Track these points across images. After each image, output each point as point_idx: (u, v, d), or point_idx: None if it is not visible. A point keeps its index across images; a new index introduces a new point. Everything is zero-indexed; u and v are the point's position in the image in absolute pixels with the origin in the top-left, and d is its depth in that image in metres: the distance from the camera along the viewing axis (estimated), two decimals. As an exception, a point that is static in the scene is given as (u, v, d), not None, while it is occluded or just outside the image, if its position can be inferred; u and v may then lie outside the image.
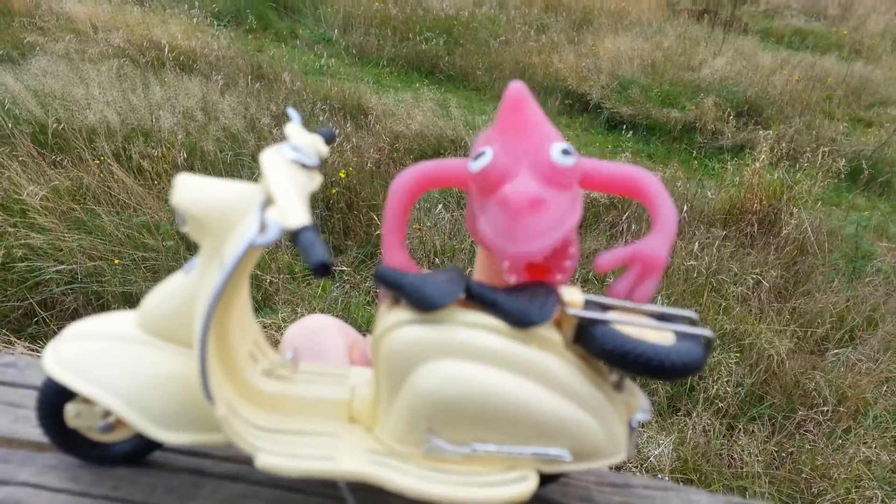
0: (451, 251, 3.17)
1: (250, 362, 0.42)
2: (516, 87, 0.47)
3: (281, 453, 0.38)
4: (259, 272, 2.78)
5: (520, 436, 0.39)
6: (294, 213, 0.34)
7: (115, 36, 5.01)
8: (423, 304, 0.39)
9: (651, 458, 2.26)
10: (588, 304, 0.41)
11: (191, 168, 3.45)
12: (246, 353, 0.42)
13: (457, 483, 0.38)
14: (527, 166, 0.44)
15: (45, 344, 2.29)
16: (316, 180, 0.40)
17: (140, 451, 0.42)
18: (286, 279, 2.89)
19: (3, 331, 2.47)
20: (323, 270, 0.31)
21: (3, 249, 2.59)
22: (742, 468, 2.34)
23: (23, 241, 2.65)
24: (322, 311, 2.76)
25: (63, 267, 2.62)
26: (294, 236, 0.33)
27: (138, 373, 0.38)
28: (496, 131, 0.47)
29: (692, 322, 0.41)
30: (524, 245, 0.42)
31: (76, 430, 0.41)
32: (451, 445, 0.39)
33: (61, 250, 2.67)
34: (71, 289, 2.60)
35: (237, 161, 3.62)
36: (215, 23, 6.26)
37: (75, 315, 2.57)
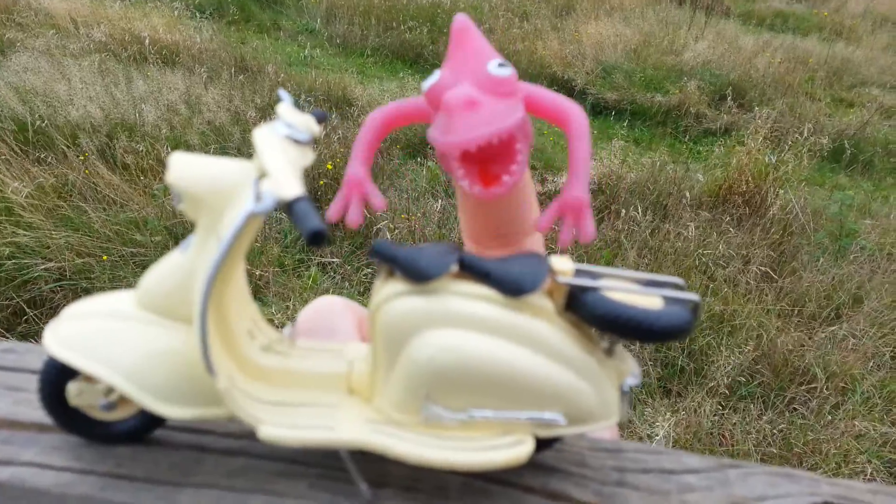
0: (439, 239, 3.17)
1: (248, 339, 0.43)
2: (460, 18, 0.53)
3: (282, 424, 0.38)
4: (249, 266, 2.77)
5: (515, 401, 0.40)
6: (288, 184, 0.34)
7: (97, 31, 4.95)
8: (418, 275, 0.40)
9: (654, 441, 2.29)
10: (578, 273, 0.42)
11: (177, 162, 3.42)
12: (244, 330, 0.42)
13: (455, 448, 0.39)
14: (468, 79, 0.50)
15: (35, 341, 2.28)
16: (308, 156, 0.40)
17: (142, 429, 0.42)
18: (277, 272, 2.89)
19: (-6, 330, 2.46)
20: (318, 238, 0.32)
21: (-10, 248, 2.57)
22: (734, 446, 2.38)
23: (9, 240, 2.63)
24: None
25: (51, 264, 2.60)
26: (288, 207, 0.34)
27: (139, 349, 0.39)
28: (445, 59, 0.52)
29: (679, 287, 0.43)
30: (458, 135, 0.47)
31: (78, 410, 0.42)
32: (448, 412, 0.40)
33: (49, 248, 2.66)
34: (59, 286, 2.59)
35: (223, 154, 3.60)
36: (197, 15, 6.19)
37: (65, 313, 2.56)
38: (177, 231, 2.93)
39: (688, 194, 3.73)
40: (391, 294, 0.40)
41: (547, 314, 0.40)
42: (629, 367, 0.42)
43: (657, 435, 2.33)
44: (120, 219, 2.88)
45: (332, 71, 5.49)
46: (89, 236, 2.76)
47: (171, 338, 0.39)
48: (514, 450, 0.39)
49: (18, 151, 3.13)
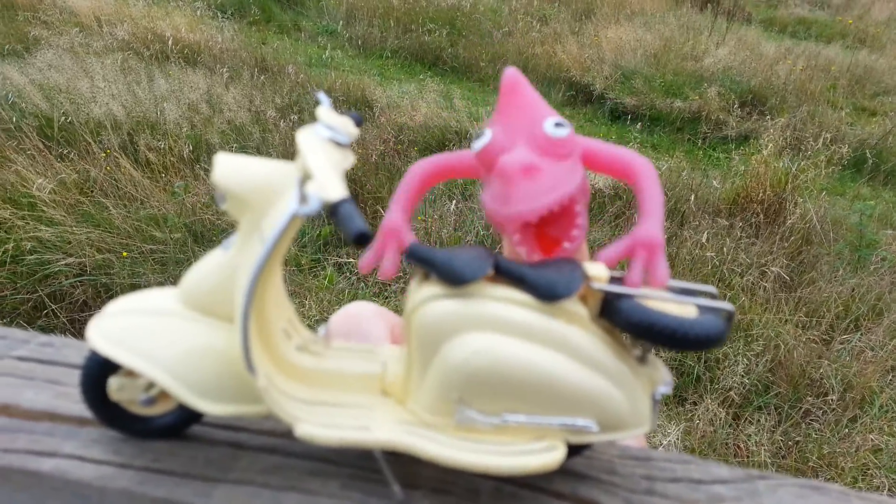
0: (456, 242, 3.18)
1: (285, 338, 0.43)
2: (510, 73, 0.50)
3: (319, 423, 0.39)
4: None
5: (548, 406, 0.40)
6: (332, 186, 0.35)
7: (120, 29, 5.01)
8: (453, 278, 0.40)
9: (661, 448, 2.27)
10: (613, 279, 0.42)
11: (196, 161, 3.46)
12: (281, 330, 0.43)
13: (488, 452, 0.39)
14: (522, 141, 0.47)
15: (56, 334, 2.30)
16: (350, 158, 0.41)
17: (180, 425, 0.43)
18: (293, 271, 2.91)
19: (15, 323, 2.50)
20: (363, 240, 0.32)
21: (13, 243, 2.61)
22: (748, 457, 2.36)
23: (31, 235, 2.67)
24: (329, 302, 2.78)
25: (72, 260, 2.64)
26: (333, 208, 0.34)
27: (181, 345, 0.39)
28: (495, 115, 0.49)
29: (712, 296, 0.43)
30: (518, 206, 0.44)
31: (118, 404, 0.42)
32: (482, 416, 0.40)
33: (70, 243, 2.69)
34: (80, 281, 2.62)
35: (243, 153, 3.63)
36: (219, 15, 6.25)
37: (84, 307, 2.59)
38: (196, 228, 2.96)
39: (706, 201, 3.71)
40: (427, 297, 0.40)
41: (581, 320, 0.41)
42: (661, 375, 0.43)
43: (664, 442, 2.32)
44: (140, 215, 2.91)
45: (352, 72, 5.52)
46: (110, 232, 2.79)
47: (211, 335, 0.40)
48: (546, 455, 0.39)
49: (42, 147, 3.18)
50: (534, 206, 0.44)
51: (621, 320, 0.40)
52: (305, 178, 0.37)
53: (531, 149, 0.46)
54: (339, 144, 0.40)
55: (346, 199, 0.34)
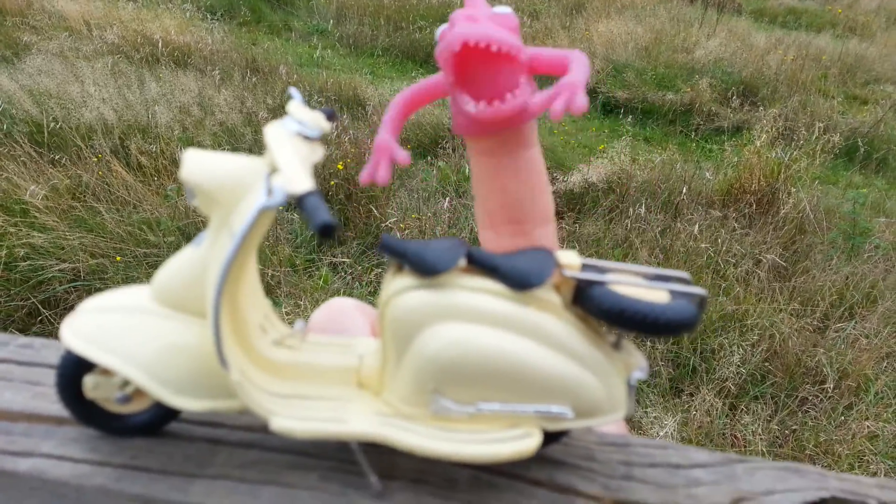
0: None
1: (261, 333, 0.43)
2: None
3: (294, 417, 0.39)
4: (261, 266, 2.79)
5: (523, 394, 0.40)
6: (298, 179, 0.35)
7: (109, 33, 4.99)
8: (426, 269, 0.40)
9: (658, 439, 2.27)
10: (585, 267, 0.42)
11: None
12: (256, 325, 0.43)
13: (464, 441, 0.39)
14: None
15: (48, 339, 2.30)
16: (318, 152, 0.41)
17: (157, 422, 0.43)
18: (288, 272, 2.91)
19: (9, 330, 2.49)
20: (328, 232, 0.33)
21: (6, 249, 2.60)
22: (745, 447, 2.37)
23: (24, 241, 2.66)
24: (324, 302, 2.78)
25: (65, 265, 2.63)
26: (299, 201, 0.34)
27: (154, 342, 0.39)
28: None
29: (685, 282, 0.43)
30: (455, 33, 0.48)
31: (95, 402, 0.43)
32: (457, 405, 0.40)
33: (63, 249, 2.69)
34: (74, 287, 2.62)
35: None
36: (208, 16, 6.24)
37: (79, 312, 2.59)
38: (189, 231, 2.95)
39: (699, 193, 3.72)
40: (399, 288, 0.41)
41: (554, 308, 0.41)
42: (636, 360, 0.43)
43: (661, 433, 2.33)
44: (133, 219, 2.90)
45: (343, 71, 5.51)
46: (103, 237, 2.78)
47: (185, 331, 0.40)
48: (521, 442, 0.39)
49: (34, 153, 3.17)
50: (472, 31, 0.48)
51: (593, 307, 0.40)
52: (273, 171, 0.37)
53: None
54: (307, 138, 0.40)
55: (312, 192, 0.34)
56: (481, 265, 0.41)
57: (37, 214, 2.77)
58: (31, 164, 3.09)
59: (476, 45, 0.48)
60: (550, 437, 0.44)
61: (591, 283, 0.41)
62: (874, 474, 2.23)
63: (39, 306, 2.53)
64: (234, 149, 3.68)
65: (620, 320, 0.39)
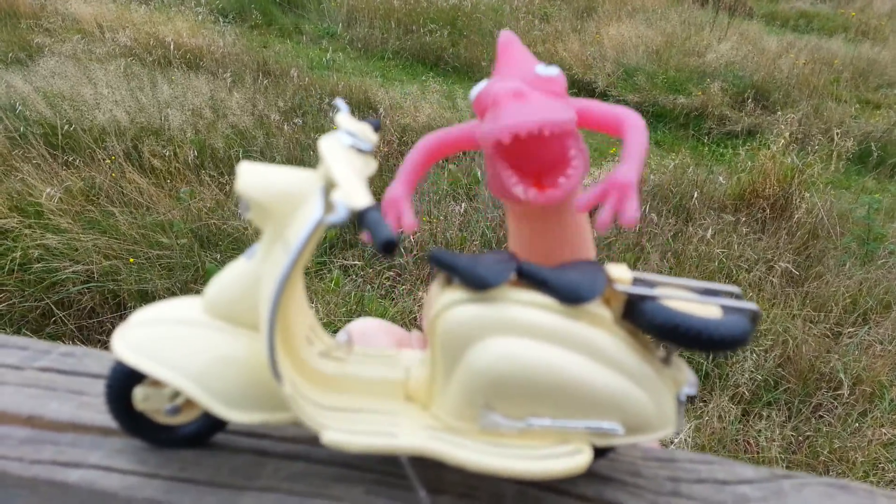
0: (461, 242, 3.18)
1: (307, 345, 0.43)
2: (505, 33, 0.53)
3: (344, 430, 0.39)
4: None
5: (573, 410, 0.40)
6: (358, 194, 0.35)
7: (122, 35, 5.02)
8: (477, 283, 0.40)
9: (671, 446, 2.26)
10: (636, 281, 0.42)
11: (201, 166, 3.47)
12: (303, 336, 0.43)
13: (514, 456, 0.39)
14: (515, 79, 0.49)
15: (63, 342, 2.31)
16: (372, 165, 0.41)
17: (204, 433, 0.43)
18: (300, 274, 2.91)
19: (23, 331, 2.50)
20: (390, 248, 0.32)
21: (20, 251, 2.61)
22: (759, 453, 2.35)
23: (38, 243, 2.67)
24: (335, 305, 2.78)
25: (79, 267, 2.64)
26: (360, 216, 0.34)
27: (206, 354, 0.39)
28: (493, 72, 0.52)
29: (736, 296, 0.42)
30: (504, 121, 0.45)
31: (143, 414, 0.43)
32: (507, 420, 0.40)
33: (77, 250, 2.70)
34: (87, 288, 2.63)
35: (247, 158, 3.64)
36: (220, 19, 6.26)
37: (92, 314, 2.60)
38: (202, 234, 2.96)
39: (711, 197, 3.70)
40: (450, 302, 0.40)
41: (605, 323, 0.41)
42: (686, 376, 0.42)
43: (675, 439, 2.31)
44: (146, 222, 2.91)
45: (354, 74, 5.52)
46: (116, 239, 2.79)
47: (236, 343, 0.40)
48: (572, 459, 0.39)
49: (48, 155, 3.19)
50: (520, 121, 0.45)
51: (645, 322, 0.40)
52: (329, 185, 0.37)
53: (523, 83, 0.47)
54: (360, 151, 0.40)
55: (373, 207, 0.34)
56: (532, 279, 0.41)
57: (51, 216, 2.78)
58: (46, 165, 3.11)
59: (528, 135, 0.45)
60: (597, 453, 0.44)
61: (643, 298, 0.41)
62: (890, 482, 2.21)
63: (53, 307, 2.54)
64: (246, 151, 3.69)
65: (674, 336, 0.39)
